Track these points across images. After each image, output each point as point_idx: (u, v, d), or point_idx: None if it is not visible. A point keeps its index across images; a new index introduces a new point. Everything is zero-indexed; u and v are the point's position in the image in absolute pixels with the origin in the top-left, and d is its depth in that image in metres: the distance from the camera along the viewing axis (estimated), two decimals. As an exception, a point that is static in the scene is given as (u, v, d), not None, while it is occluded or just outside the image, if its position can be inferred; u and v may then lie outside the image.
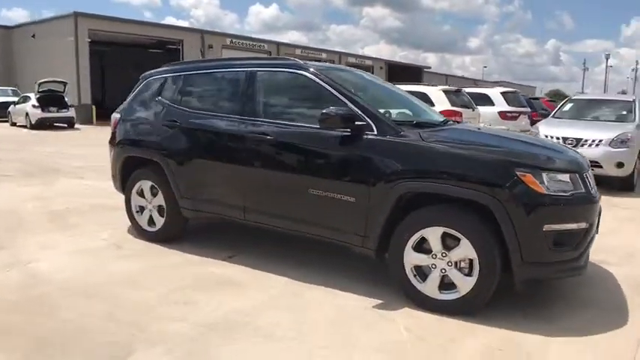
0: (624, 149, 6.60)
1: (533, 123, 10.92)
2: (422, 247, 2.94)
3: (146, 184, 4.18)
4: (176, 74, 4.17)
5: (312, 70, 3.42)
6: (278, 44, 30.55)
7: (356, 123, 3.06)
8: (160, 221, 4.15)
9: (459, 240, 2.80)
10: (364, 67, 37.64)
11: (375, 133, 3.05)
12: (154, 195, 4.14)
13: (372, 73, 38.10)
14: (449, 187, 2.79)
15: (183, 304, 2.98)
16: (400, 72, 40.22)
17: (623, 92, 37.78)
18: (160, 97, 4.17)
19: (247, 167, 3.52)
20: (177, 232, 4.16)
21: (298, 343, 2.56)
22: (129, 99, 4.47)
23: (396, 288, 3.15)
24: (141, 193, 4.24)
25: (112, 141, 4.47)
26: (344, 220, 3.16)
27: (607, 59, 62.19)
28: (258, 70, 3.66)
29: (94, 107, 22.62)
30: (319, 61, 33.54)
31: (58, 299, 3.01)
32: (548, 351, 2.52)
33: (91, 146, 11.86)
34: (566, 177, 2.77)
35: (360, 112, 3.10)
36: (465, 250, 2.78)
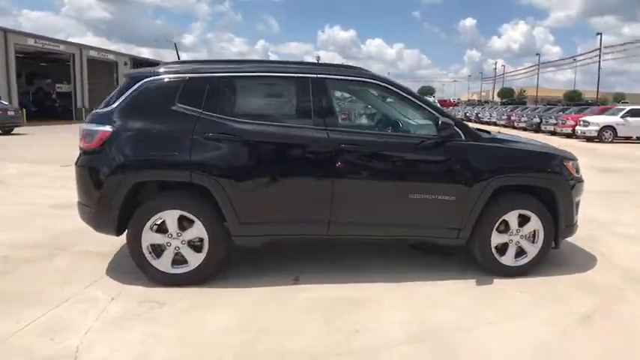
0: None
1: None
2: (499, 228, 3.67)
3: (171, 215, 3.31)
4: (203, 75, 3.40)
5: (388, 80, 3.57)
6: (5, 31, 23.89)
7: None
8: (195, 258, 3.37)
9: (528, 217, 3.66)
10: (107, 62, 33.75)
11: (464, 138, 3.55)
12: (184, 228, 3.33)
13: (117, 68, 34.65)
14: (539, 180, 3.61)
15: (358, 332, 2.79)
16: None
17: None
18: (180, 105, 3.33)
19: (337, 179, 3.37)
20: (216, 268, 3.47)
21: (498, 322, 2.94)
22: (116, 105, 3.33)
23: (459, 268, 3.79)
24: (159, 229, 3.32)
25: (95, 162, 3.27)
26: (443, 217, 3.54)
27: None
28: (327, 77, 3.49)
29: None
30: (57, 53, 28.03)
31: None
32: (597, 280, 3.65)
33: None
34: (575, 164, 3.99)
35: (451, 120, 3.52)
36: (534, 224, 3.67)
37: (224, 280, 3.47)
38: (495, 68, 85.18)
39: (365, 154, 3.42)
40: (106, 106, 3.42)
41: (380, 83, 3.59)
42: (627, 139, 18.30)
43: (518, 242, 3.69)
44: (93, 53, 31.73)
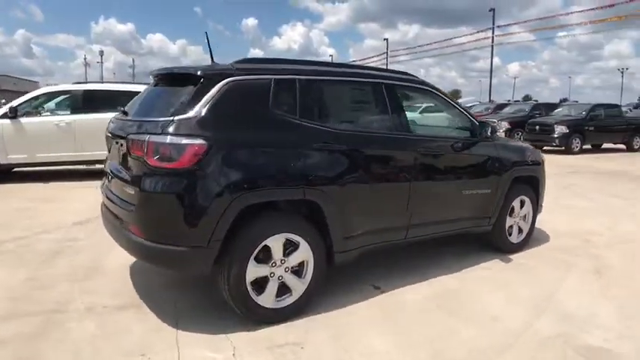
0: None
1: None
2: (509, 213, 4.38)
3: (278, 240, 2.83)
4: (291, 77, 2.96)
5: (438, 88, 3.82)
6: None
7: (484, 131, 4.00)
8: (299, 286, 2.96)
9: (524, 202, 4.49)
10: None
11: (489, 137, 4.09)
12: (287, 253, 2.90)
13: None
14: (531, 170, 4.41)
15: (499, 319, 3.02)
16: None
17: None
18: (275, 110, 2.85)
19: (415, 182, 3.45)
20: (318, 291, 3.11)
21: (560, 287, 3.53)
22: (201, 111, 2.61)
23: (469, 252, 4.38)
24: (258, 258, 2.80)
25: (188, 185, 2.54)
26: (481, 209, 4.02)
27: (135, 55, 66.13)
28: (395, 83, 3.52)
29: None
30: None
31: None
32: (568, 244, 4.67)
33: None
34: (543, 156, 4.98)
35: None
36: (528, 207, 4.52)
37: (316, 304, 3.13)
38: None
39: (434, 155, 3.62)
40: (177, 113, 2.65)
41: (432, 90, 3.84)
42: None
43: (518, 223, 4.48)
44: None
